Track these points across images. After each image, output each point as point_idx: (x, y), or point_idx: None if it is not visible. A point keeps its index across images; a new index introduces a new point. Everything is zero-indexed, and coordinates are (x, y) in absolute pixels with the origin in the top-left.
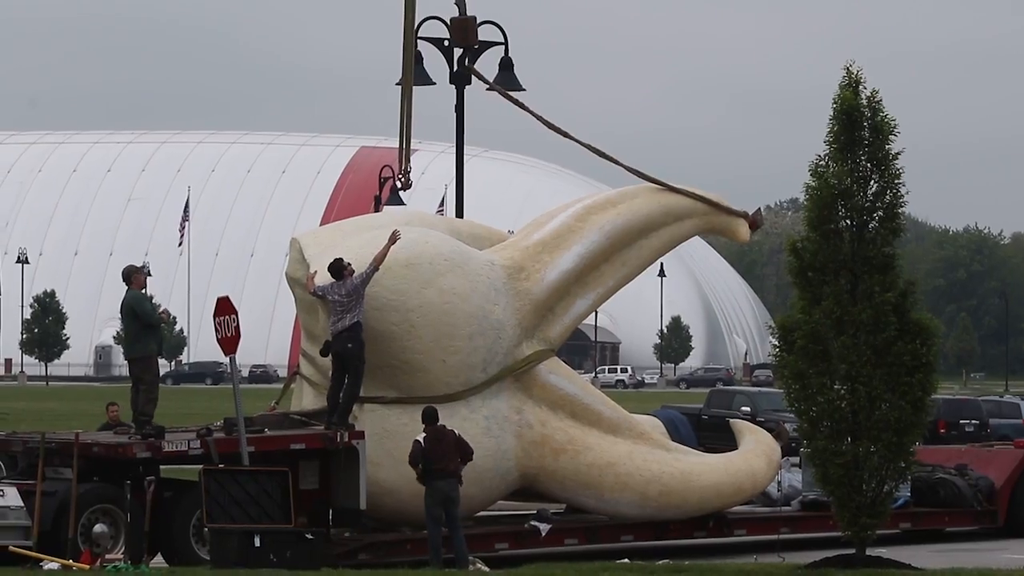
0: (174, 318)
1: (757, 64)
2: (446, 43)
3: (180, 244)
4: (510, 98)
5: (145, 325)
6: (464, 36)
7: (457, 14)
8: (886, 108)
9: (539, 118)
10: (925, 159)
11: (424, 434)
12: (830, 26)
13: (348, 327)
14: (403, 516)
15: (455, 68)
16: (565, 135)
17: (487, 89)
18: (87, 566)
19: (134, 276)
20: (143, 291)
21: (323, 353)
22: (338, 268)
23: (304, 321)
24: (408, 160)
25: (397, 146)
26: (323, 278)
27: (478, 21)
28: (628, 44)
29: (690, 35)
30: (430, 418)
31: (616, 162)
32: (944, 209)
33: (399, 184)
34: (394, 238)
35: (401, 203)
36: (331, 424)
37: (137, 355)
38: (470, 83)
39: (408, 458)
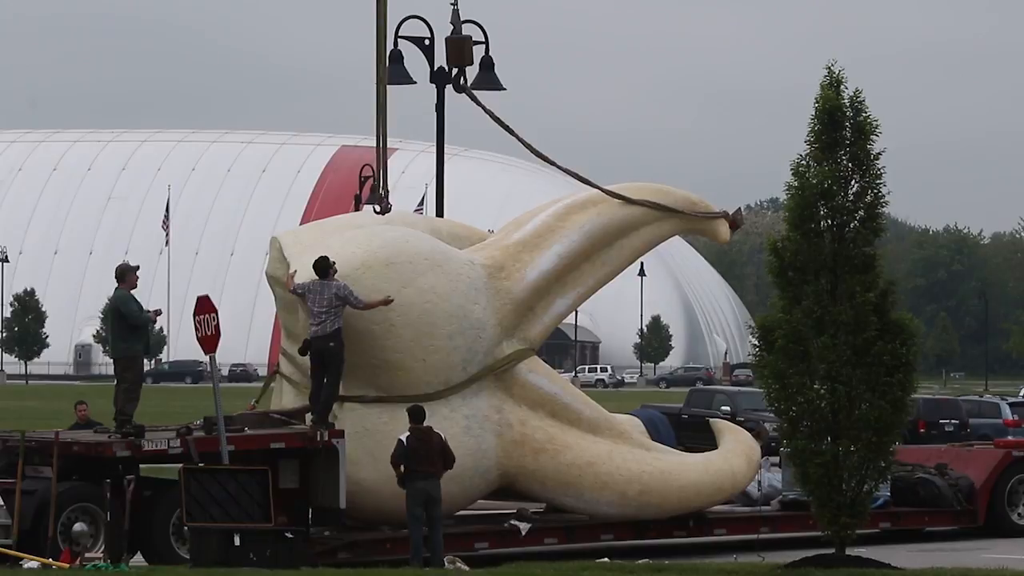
0: (158, 311)
1: (734, 64)
2: (426, 42)
3: (167, 243)
4: (500, 122)
5: (130, 325)
6: (460, 56)
7: (452, 26)
8: (868, 108)
9: (527, 145)
10: (904, 159)
11: (408, 433)
12: (807, 27)
13: (336, 330)
14: (383, 515)
15: (435, 67)
16: (550, 162)
17: (493, 116)
18: (67, 565)
19: (127, 275)
20: (132, 291)
21: (302, 352)
22: (324, 267)
23: (284, 320)
24: (386, 185)
25: (376, 147)
26: (304, 277)
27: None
28: (605, 44)
29: (667, 35)
30: (416, 417)
31: (598, 187)
32: (924, 209)
33: (377, 210)
34: (387, 301)
35: None
36: (325, 423)
37: (121, 355)
38: (450, 82)
39: (391, 458)
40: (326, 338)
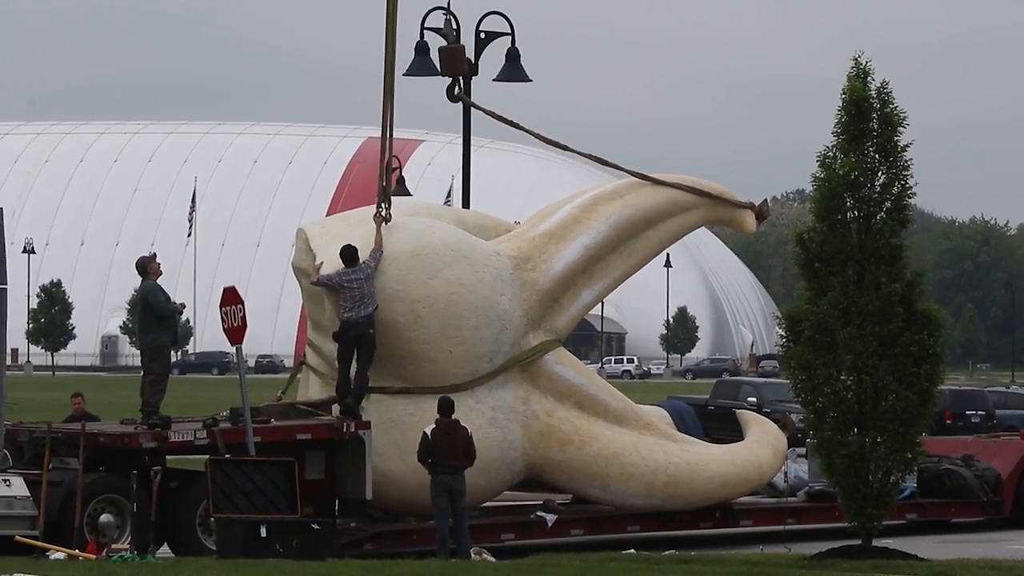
0: (183, 304)
1: (757, 55)
2: (452, 33)
3: (189, 235)
4: (506, 120)
5: (157, 316)
6: (452, 66)
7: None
8: (896, 99)
9: (540, 136)
10: (930, 150)
11: (434, 425)
12: (830, 18)
13: (369, 314)
14: (409, 506)
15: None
16: (564, 148)
17: (493, 115)
18: (93, 556)
19: (149, 265)
20: (159, 279)
21: (336, 336)
22: (351, 254)
23: (311, 311)
24: (388, 196)
25: (380, 160)
26: (330, 269)
27: (484, 12)
28: (628, 36)
29: (689, 26)
30: (445, 409)
31: (618, 167)
32: (950, 200)
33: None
34: (379, 222)
35: (408, 194)
36: (355, 412)
37: (148, 345)
38: (476, 74)
39: (417, 453)
40: (364, 323)
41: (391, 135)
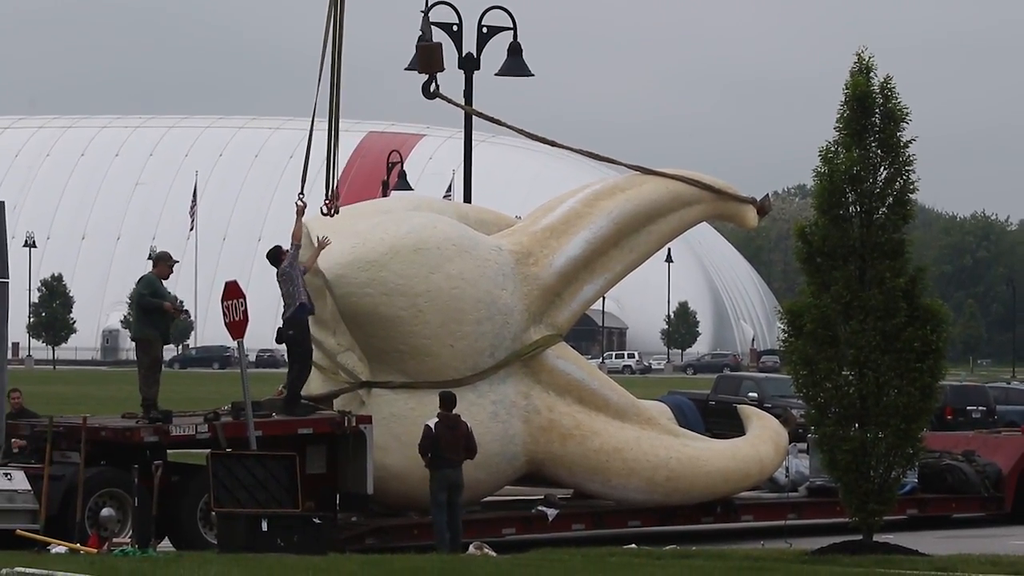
0: (182, 302)
1: (754, 53)
2: (454, 28)
3: (191, 229)
4: (487, 117)
5: (143, 308)
6: (429, 63)
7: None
8: (899, 95)
9: (519, 130)
10: (931, 146)
11: (436, 419)
12: (826, 15)
13: (289, 315)
14: (410, 501)
15: (463, 54)
16: (552, 144)
17: (474, 111)
18: (94, 550)
19: (159, 263)
20: (164, 280)
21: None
22: (275, 255)
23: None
24: (336, 185)
25: (328, 147)
26: (328, 253)
27: (486, 7)
28: (628, 31)
29: (689, 22)
30: (447, 403)
31: (612, 161)
32: (951, 196)
33: (323, 211)
34: (300, 211)
35: (408, 188)
36: (291, 410)
37: (135, 336)
38: (478, 68)
39: (419, 446)
40: (286, 324)
41: (337, 133)
